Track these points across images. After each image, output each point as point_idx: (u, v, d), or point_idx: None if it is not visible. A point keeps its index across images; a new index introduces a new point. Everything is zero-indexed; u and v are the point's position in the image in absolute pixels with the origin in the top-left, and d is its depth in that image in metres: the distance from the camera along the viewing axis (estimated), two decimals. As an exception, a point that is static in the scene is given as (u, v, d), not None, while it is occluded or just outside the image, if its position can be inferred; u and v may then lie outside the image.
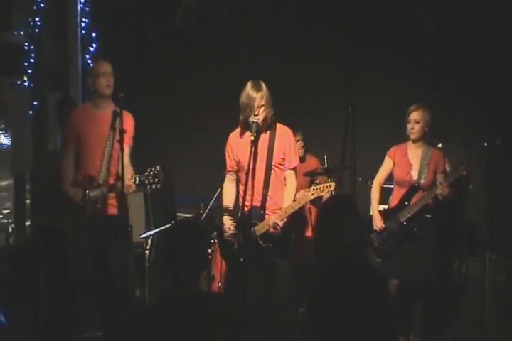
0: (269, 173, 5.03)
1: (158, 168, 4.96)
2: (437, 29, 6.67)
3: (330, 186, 4.96)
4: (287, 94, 6.78)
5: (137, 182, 4.99)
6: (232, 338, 3.22)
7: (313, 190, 5.00)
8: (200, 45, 7.34)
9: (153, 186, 4.97)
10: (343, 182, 6.41)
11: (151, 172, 4.95)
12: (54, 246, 5.49)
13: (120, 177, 4.92)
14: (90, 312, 5.41)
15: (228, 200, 5.21)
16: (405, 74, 6.83)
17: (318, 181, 5.11)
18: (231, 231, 5.10)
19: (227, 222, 5.13)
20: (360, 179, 6.45)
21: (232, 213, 5.14)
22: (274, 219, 4.95)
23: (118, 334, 5.05)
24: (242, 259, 4.89)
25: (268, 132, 5.06)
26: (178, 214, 6.90)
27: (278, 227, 4.95)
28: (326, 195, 5.54)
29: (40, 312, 5.39)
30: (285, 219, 4.97)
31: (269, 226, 4.96)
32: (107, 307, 5.25)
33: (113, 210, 5.21)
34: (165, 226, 6.05)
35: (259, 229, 5.01)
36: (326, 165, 6.38)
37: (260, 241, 4.99)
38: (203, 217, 6.20)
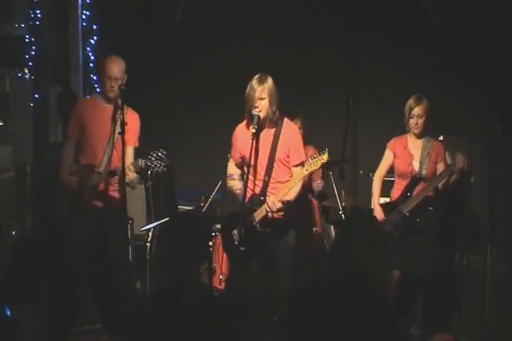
0: (272, 165, 5.04)
1: (161, 150, 4.97)
2: (440, 20, 6.65)
3: (322, 159, 4.90)
4: (287, 85, 6.75)
5: (142, 165, 4.98)
6: (232, 331, 3.22)
7: (307, 164, 4.95)
8: (201, 35, 7.32)
9: (159, 169, 4.99)
10: (344, 175, 6.42)
11: (155, 155, 4.95)
12: (54, 238, 5.50)
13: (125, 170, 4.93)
14: (90, 305, 5.41)
15: (232, 170, 5.24)
16: (406, 66, 6.82)
17: (309, 155, 5.02)
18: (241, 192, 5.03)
19: (233, 183, 5.14)
20: (361, 172, 6.46)
21: (239, 178, 5.17)
22: (271, 199, 4.94)
23: (118, 326, 5.06)
24: (242, 248, 4.89)
25: (274, 128, 5.07)
26: (179, 206, 6.89)
27: (274, 208, 4.93)
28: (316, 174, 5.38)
29: (41, 304, 5.39)
30: (281, 204, 4.94)
31: (267, 209, 4.95)
32: (106, 299, 5.26)
33: (112, 201, 5.21)
34: (166, 219, 6.05)
35: (258, 214, 5.01)
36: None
37: (258, 226, 5.00)
38: (204, 209, 6.20)
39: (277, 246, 5.04)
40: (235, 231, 5.06)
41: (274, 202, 4.92)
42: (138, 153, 5.30)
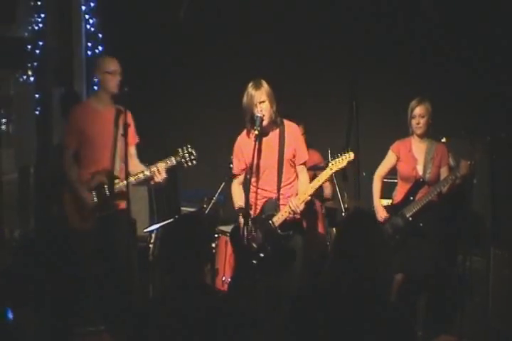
0: (282, 167, 5.06)
1: (189, 146, 5.15)
2: (442, 19, 6.66)
3: (349, 156, 4.94)
4: (290, 86, 6.77)
5: (175, 162, 5.13)
6: (234, 332, 3.22)
7: (332, 164, 4.98)
8: (203, 37, 7.34)
9: (190, 163, 5.15)
10: (346, 177, 6.42)
11: (186, 151, 5.13)
12: (57, 240, 5.50)
13: (129, 173, 4.96)
14: (94, 306, 5.42)
15: (241, 200, 5.16)
16: (409, 69, 6.82)
17: (334, 156, 5.03)
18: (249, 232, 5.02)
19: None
20: (364, 173, 6.45)
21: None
22: (295, 201, 4.94)
23: (121, 328, 5.06)
24: (261, 255, 4.90)
25: (277, 129, 5.10)
26: (182, 208, 6.90)
27: (298, 210, 4.94)
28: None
29: (44, 305, 5.40)
30: (304, 205, 4.96)
31: (290, 212, 4.94)
32: (110, 300, 5.26)
33: (120, 204, 5.23)
34: (169, 220, 6.05)
35: (278, 219, 5.01)
36: (329, 159, 6.36)
37: (279, 231, 5.01)
38: (206, 211, 6.20)
39: (294, 245, 5.06)
40: (251, 239, 5.01)
41: (297, 204, 4.94)
42: (145, 155, 5.36)
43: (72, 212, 5.24)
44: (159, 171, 5.12)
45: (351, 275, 3.06)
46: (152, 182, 5.26)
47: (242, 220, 5.03)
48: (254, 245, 5.04)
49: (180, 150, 5.14)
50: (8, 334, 4.76)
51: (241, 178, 5.25)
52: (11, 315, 4.78)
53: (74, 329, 5.32)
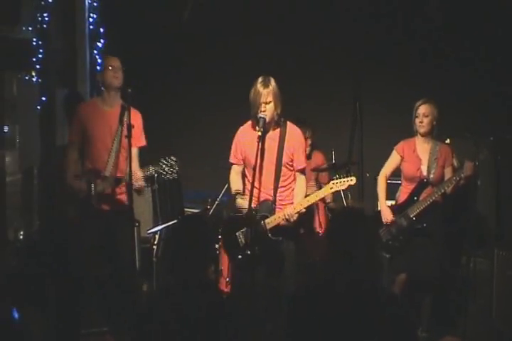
0: (280, 169, 5.05)
1: (172, 157, 5.02)
2: (444, 20, 6.66)
3: (351, 180, 4.94)
4: (293, 87, 6.76)
5: (153, 172, 5.04)
6: (237, 333, 3.22)
7: (333, 184, 4.97)
8: (209, 38, 7.34)
9: (170, 176, 5.03)
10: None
11: (167, 163, 5.01)
12: (61, 241, 5.50)
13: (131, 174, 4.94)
14: (97, 307, 5.42)
15: (237, 186, 5.19)
16: (413, 70, 6.82)
17: (336, 176, 5.04)
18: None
19: (242, 202, 5.09)
20: (367, 175, 6.45)
21: (243, 195, 5.13)
22: (290, 211, 4.94)
23: (125, 329, 5.06)
24: (248, 252, 4.90)
25: (278, 130, 5.07)
26: (186, 209, 6.90)
27: (292, 220, 4.94)
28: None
29: (48, 306, 5.40)
30: (298, 215, 4.97)
31: (283, 219, 4.95)
32: (113, 302, 5.27)
33: (119, 204, 5.22)
34: (173, 222, 6.06)
35: (270, 222, 5.00)
36: (333, 161, 6.37)
37: (270, 234, 5.00)
38: (210, 212, 6.21)
39: (284, 250, 5.05)
40: (240, 234, 5.06)
41: (291, 214, 4.94)
42: (147, 157, 5.34)
43: (66, 201, 5.25)
44: (136, 178, 5.00)
45: (343, 275, 3.07)
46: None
47: (239, 200, 5.08)
48: (242, 241, 5.04)
49: (161, 160, 5.03)
50: (13, 336, 4.76)
51: (237, 168, 5.21)
52: (16, 315, 4.78)
53: (78, 330, 5.32)
